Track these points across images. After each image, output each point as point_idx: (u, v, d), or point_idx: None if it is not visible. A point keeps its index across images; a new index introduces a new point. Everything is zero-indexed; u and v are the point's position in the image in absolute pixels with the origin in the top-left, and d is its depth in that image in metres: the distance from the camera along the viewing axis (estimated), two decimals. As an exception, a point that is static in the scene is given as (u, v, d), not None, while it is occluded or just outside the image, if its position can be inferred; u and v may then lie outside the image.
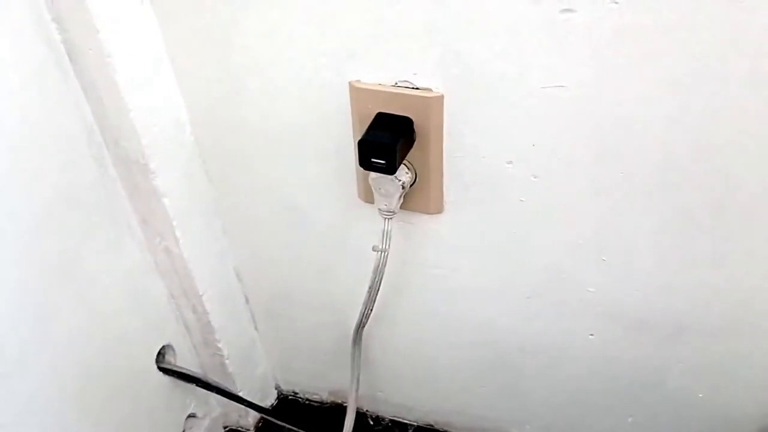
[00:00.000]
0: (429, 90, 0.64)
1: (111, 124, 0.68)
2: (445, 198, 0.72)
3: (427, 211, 0.73)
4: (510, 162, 0.67)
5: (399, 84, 0.64)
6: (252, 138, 0.75)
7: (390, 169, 0.64)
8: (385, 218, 0.71)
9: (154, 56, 0.68)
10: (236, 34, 0.66)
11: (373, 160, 0.64)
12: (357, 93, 0.66)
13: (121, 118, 0.67)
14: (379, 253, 0.73)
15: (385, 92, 0.64)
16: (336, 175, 0.75)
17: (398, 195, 0.69)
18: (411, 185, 0.70)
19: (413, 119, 0.65)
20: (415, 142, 0.66)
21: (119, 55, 0.63)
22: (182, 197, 0.75)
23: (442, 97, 0.64)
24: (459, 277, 0.80)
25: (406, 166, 0.69)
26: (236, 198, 0.81)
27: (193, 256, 0.79)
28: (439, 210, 0.73)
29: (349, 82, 0.66)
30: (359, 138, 0.64)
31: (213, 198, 0.81)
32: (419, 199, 0.72)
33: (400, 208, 0.71)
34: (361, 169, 0.66)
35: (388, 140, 0.63)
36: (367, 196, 0.74)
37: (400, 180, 0.68)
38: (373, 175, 0.68)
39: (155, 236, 0.77)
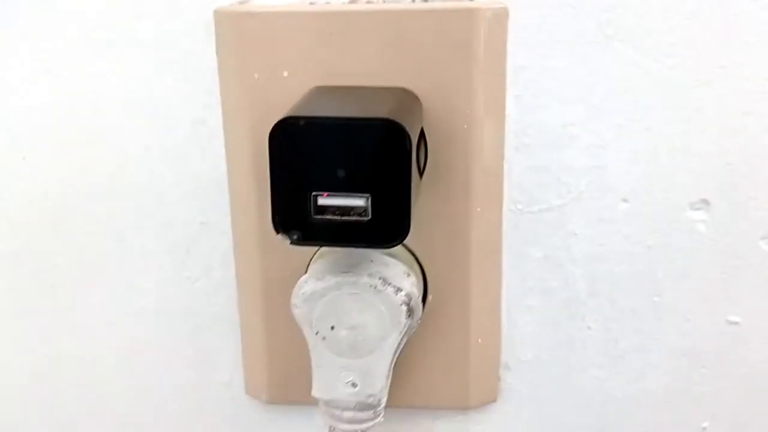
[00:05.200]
0: None
1: None
2: (505, 359, 0.25)
3: (450, 404, 0.26)
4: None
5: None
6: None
7: (395, 229, 0.18)
8: None
9: None
10: None
11: (323, 201, 0.18)
12: (233, 35, 0.22)
13: None
14: None
15: (331, 15, 0.21)
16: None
17: (394, 344, 0.21)
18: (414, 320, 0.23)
19: (419, 100, 0.21)
20: (423, 175, 0.22)
21: None
22: None
23: (506, 11, 0.21)
24: None
25: (409, 263, 0.23)
26: None
27: None
28: (489, 397, 0.26)
29: (216, 10, 0.22)
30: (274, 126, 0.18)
31: None
32: (427, 365, 0.25)
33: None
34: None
35: (380, 120, 0.18)
36: (278, 388, 0.26)
37: (400, 290, 0.21)
38: (312, 285, 0.21)
39: None
